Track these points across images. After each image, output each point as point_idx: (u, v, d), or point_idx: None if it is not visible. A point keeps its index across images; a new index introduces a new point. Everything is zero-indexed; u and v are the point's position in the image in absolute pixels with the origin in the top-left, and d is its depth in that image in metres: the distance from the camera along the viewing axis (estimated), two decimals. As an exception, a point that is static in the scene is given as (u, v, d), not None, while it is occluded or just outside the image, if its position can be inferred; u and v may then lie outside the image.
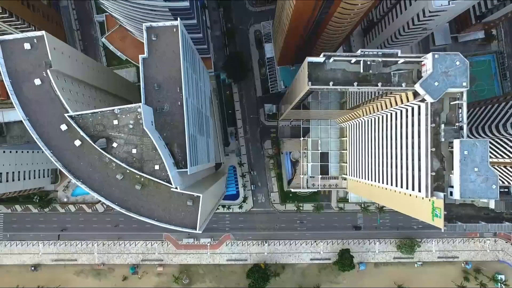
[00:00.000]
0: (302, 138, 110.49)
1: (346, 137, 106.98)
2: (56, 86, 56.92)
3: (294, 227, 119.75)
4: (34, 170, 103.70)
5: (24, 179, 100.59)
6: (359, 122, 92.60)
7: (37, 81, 56.92)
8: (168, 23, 59.64)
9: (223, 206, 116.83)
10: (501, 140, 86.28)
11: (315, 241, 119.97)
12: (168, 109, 59.41)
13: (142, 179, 56.95)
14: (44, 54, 57.09)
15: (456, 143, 57.65)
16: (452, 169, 59.48)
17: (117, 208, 57.43)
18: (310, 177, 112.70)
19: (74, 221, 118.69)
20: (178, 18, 59.27)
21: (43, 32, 56.88)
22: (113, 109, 54.70)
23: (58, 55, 59.10)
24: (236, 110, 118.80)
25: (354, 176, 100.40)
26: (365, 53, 60.02)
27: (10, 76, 57.14)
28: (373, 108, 76.90)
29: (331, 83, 58.42)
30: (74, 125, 54.68)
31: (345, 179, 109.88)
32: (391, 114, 72.66)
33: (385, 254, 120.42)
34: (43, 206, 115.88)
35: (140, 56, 59.47)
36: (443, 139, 59.82)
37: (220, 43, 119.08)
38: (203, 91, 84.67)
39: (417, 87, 57.92)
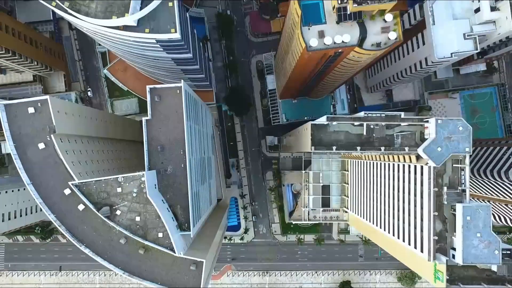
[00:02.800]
0: (303, 171, 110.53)
1: (347, 171, 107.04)
2: (60, 150, 57.05)
3: (295, 258, 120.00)
4: (36, 205, 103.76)
5: (26, 214, 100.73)
6: (360, 161, 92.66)
7: (41, 145, 56.99)
8: (171, 85, 59.78)
9: (225, 237, 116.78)
10: (503, 183, 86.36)
11: (316, 272, 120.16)
12: (171, 171, 59.55)
13: (145, 243, 57.09)
14: (48, 118, 57.18)
15: (459, 208, 57.79)
16: (455, 231, 59.66)
17: (120, 273, 57.54)
18: (312, 209, 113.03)
19: (76, 251, 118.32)
20: (182, 81, 59.41)
21: (47, 97, 57.06)
22: (117, 177, 54.89)
23: (62, 117, 59.20)
24: (237, 141, 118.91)
25: (354, 213, 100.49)
26: (368, 115, 60.19)
27: (14, 140, 57.25)
28: (376, 156, 76.99)
29: (334, 147, 58.60)
30: (77, 192, 54.80)
31: (346, 211, 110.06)
32: (394, 165, 72.70)
33: (386, 285, 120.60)
34: (44, 236, 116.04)
35: (143, 118, 59.59)
36: (445, 202, 59.94)
37: (222, 74, 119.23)
38: (206, 134, 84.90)
39: (420, 151, 58.08)
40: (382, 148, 58.86)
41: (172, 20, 58.69)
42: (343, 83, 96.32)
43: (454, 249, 59.64)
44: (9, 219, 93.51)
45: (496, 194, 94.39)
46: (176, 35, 59.19)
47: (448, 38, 72.64)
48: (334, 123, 59.30)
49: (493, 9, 70.88)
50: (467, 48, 72.90)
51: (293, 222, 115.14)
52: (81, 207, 56.41)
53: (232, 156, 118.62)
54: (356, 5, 54.49)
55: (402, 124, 60.04)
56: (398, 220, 70.98)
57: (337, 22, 57.54)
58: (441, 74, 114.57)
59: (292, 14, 62.65)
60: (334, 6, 57.35)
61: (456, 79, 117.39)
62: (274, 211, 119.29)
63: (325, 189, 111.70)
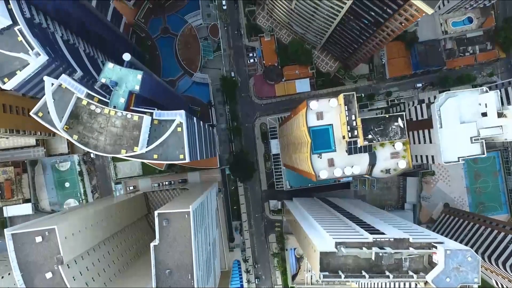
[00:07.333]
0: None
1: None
2: (67, 279, 56.77)
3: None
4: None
5: None
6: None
7: (49, 275, 56.75)
8: (180, 210, 59.51)
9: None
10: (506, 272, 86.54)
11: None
12: (179, 295, 59.33)
13: None
14: (55, 246, 56.98)
15: (467, 337, 57.93)
16: None
17: None
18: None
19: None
20: (190, 206, 59.11)
21: (55, 226, 56.70)
22: (126, 315, 54.64)
23: (69, 242, 58.87)
24: (241, 203, 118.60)
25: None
26: (377, 239, 60.08)
27: (21, 268, 56.92)
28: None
29: (343, 275, 58.40)
30: (86, 329, 54.57)
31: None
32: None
33: None
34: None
35: (151, 243, 59.17)
36: (454, 328, 60.00)
37: (226, 136, 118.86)
38: (211, 220, 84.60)
39: (429, 279, 58.13)
40: (391, 276, 58.72)
41: (181, 146, 58.32)
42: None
43: None
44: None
45: (499, 273, 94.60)
46: (185, 160, 58.86)
47: (455, 141, 72.62)
48: (343, 249, 59.11)
49: (500, 115, 71.04)
50: (474, 152, 73.00)
51: (296, 286, 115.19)
52: (88, 337, 56.26)
53: (235, 219, 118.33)
54: (367, 142, 54.40)
55: (411, 248, 59.94)
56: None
57: (348, 153, 57.48)
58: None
59: (301, 133, 62.44)
60: (344, 136, 57.25)
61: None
62: (277, 273, 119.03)
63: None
